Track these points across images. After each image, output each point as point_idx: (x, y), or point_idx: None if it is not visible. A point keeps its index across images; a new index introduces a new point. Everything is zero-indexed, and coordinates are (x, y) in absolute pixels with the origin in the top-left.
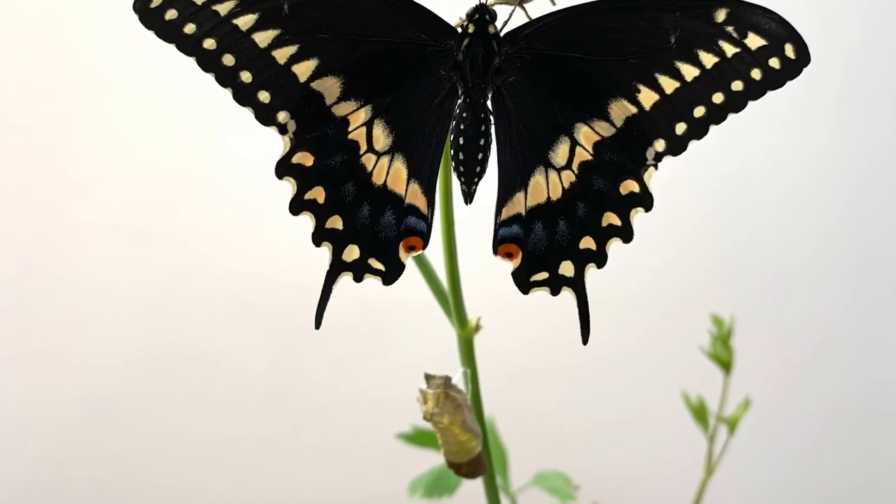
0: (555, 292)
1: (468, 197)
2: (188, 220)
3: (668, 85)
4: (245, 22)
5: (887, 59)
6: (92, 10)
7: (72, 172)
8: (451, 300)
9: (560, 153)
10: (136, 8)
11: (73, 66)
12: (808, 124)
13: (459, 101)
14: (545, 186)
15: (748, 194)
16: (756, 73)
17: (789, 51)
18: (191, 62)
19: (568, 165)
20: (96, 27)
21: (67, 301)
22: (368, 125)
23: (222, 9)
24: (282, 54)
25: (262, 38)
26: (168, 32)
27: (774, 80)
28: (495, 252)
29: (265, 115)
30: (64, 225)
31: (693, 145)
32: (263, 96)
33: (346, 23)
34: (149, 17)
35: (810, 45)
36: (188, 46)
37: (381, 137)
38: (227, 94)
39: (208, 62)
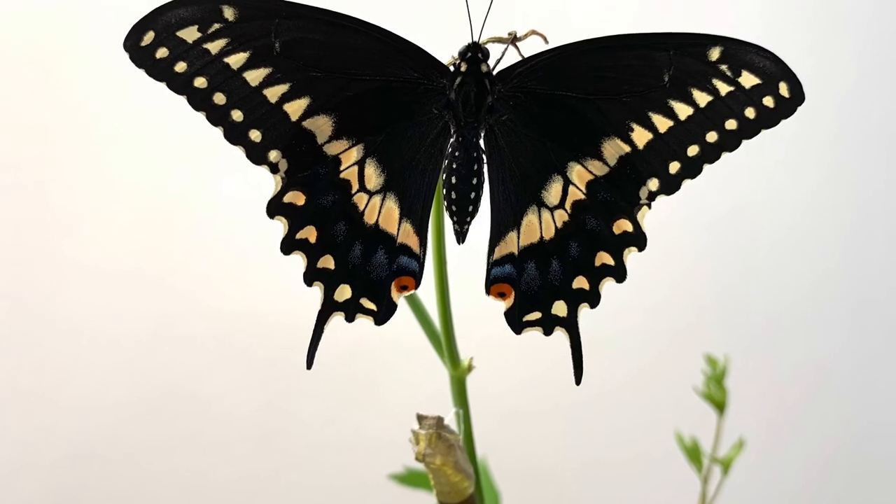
0: (548, 332)
1: (460, 236)
2: (178, 259)
3: (662, 124)
4: (236, 61)
5: (882, 98)
6: (81, 49)
7: (61, 212)
8: (444, 340)
9: (553, 192)
10: (126, 46)
11: (63, 105)
12: (802, 163)
13: (452, 139)
14: (538, 226)
15: (742, 234)
16: (750, 112)
17: (783, 89)
18: (182, 101)
19: (561, 205)
20: (86, 65)
21: (57, 342)
22: (360, 164)
23: (213, 47)
24: (273, 93)
25: (254, 77)
26: (159, 71)
27: (769, 119)
28: (488, 292)
29: (256, 154)
30: (53, 265)
31: (686, 184)
32: (255, 135)
33: (338, 61)
34: (140, 55)
35: (804, 83)
36: (179, 85)
37: (373, 176)
38: (217, 132)
39: (199, 101)
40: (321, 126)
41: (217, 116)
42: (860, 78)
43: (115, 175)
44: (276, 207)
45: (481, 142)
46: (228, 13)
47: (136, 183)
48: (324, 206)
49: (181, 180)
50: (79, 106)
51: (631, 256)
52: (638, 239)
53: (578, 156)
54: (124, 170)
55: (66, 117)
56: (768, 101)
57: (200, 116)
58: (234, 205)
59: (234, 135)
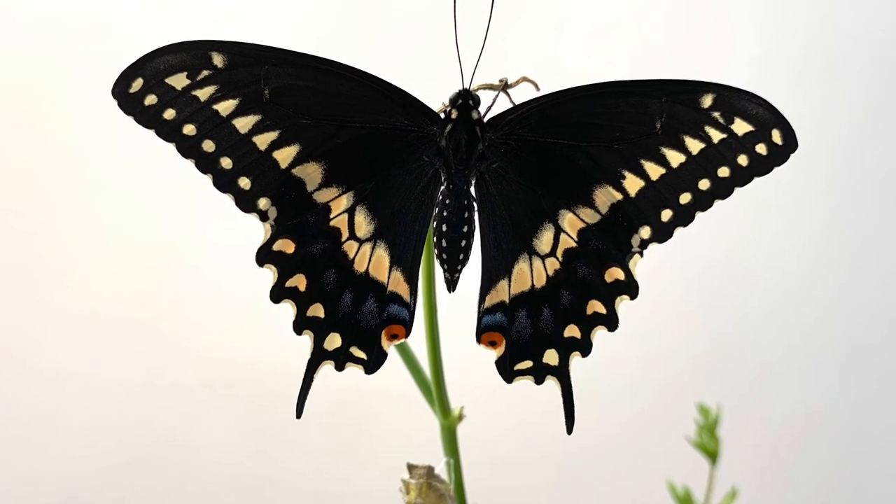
0: (539, 381)
1: (451, 284)
2: (168, 307)
3: (654, 171)
4: (225, 107)
5: (874, 144)
6: (70, 95)
7: (50, 258)
8: (434, 389)
9: (544, 240)
10: (115, 93)
11: (51, 152)
12: (795, 211)
13: (442, 187)
14: (529, 274)
15: (734, 281)
16: (743, 159)
17: (776, 136)
18: (170, 148)
19: (552, 253)
20: (74, 112)
21: (45, 389)
22: (350, 212)
23: (202, 94)
24: (262, 140)
25: (243, 124)
26: (147, 118)
27: (762, 166)
28: (478, 340)
29: (246, 202)
30: (42, 312)
31: (679, 232)
32: (244, 183)
33: (328, 108)
34: (128, 102)
35: (797, 130)
36: (168, 132)
37: (363, 224)
38: (206, 180)
39: (188, 148)
40: (311, 173)
41: (206, 164)
42: (853, 125)
43: (104, 221)
44: (265, 255)
45: (472, 189)
46: (217, 60)
47: (124, 230)
48: (313, 255)
49: (170, 227)
50: (67, 152)
51: (623, 305)
52: (630, 287)
53: (570, 203)
54: (113, 216)
55: (55, 163)
56: (761, 149)
57: (189, 164)
58: (223, 252)
59: (223, 182)
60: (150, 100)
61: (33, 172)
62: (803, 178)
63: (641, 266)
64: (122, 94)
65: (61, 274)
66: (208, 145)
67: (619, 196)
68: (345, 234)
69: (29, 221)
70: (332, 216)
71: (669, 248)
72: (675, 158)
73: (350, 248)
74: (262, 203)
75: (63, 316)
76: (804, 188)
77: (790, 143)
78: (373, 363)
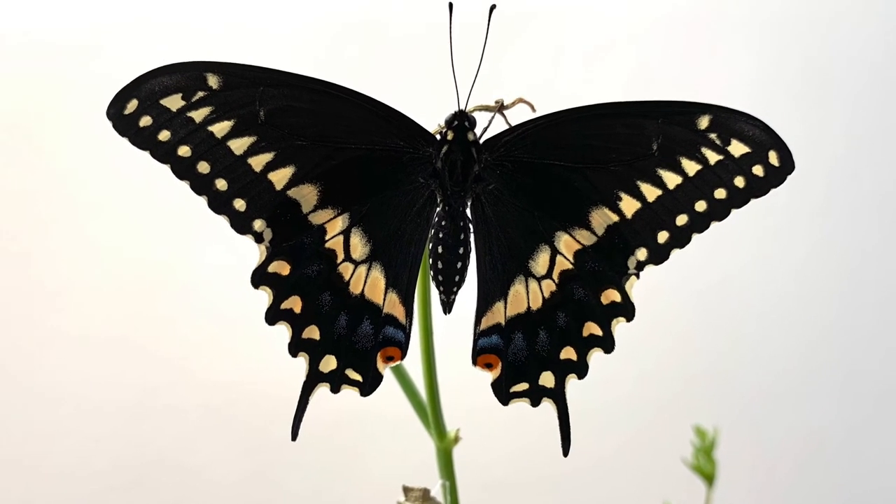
0: (535, 403)
1: (447, 306)
2: (163, 329)
3: (650, 193)
4: (220, 129)
5: (871, 167)
6: (65, 117)
7: (45, 279)
8: (430, 411)
9: (540, 262)
10: (109, 115)
11: (46, 173)
12: (792, 233)
13: (438, 209)
14: (525, 296)
15: (731, 303)
16: (739, 181)
17: (773, 158)
18: (165, 169)
19: (548, 275)
20: (69, 132)
21: (39, 410)
22: (346, 233)
23: (197, 115)
24: (258, 162)
25: (238, 146)
26: (142, 139)
27: (758, 188)
28: (474, 363)
29: (241, 224)
30: (36, 333)
31: (675, 253)
32: (239, 204)
33: (323, 129)
34: (123, 123)
35: (794, 151)
36: (163, 153)
37: (359, 246)
38: (201, 201)
39: (183, 169)
40: (306, 195)
41: (201, 185)
42: (849, 147)
43: (99, 243)
44: (260, 277)
45: (468, 211)
46: (213, 81)
47: (119, 251)
48: (309, 276)
49: (165, 249)
50: (62, 173)
51: (619, 326)
52: (626, 309)
53: (566, 225)
54: (108, 238)
55: (49, 184)
56: (758, 170)
57: (184, 185)
58: (218, 274)
59: (219, 204)
60: (145, 121)
61: (28, 193)
62: (800, 199)
63: (638, 287)
64: (117, 115)
65: (56, 295)
66: (203, 167)
67: (615, 218)
68: (340, 256)
69: (23, 243)
70: (327, 238)
71: (666, 270)
72: (672, 180)
73: (345, 269)
74: (258, 225)
75: (57, 337)
76: (801, 210)
77: (787, 165)
78: (368, 385)
